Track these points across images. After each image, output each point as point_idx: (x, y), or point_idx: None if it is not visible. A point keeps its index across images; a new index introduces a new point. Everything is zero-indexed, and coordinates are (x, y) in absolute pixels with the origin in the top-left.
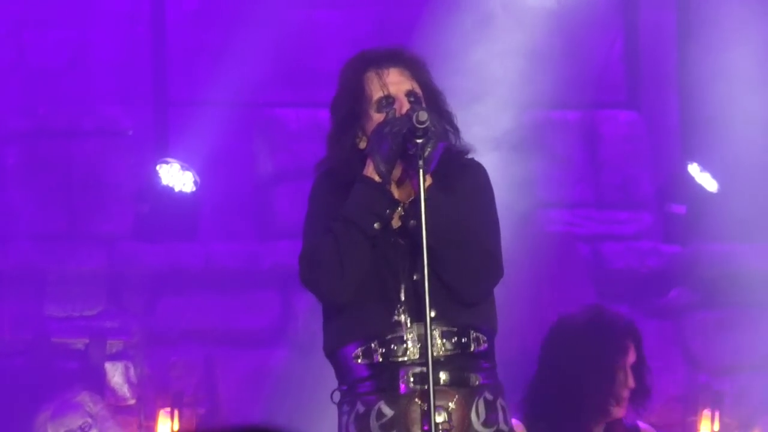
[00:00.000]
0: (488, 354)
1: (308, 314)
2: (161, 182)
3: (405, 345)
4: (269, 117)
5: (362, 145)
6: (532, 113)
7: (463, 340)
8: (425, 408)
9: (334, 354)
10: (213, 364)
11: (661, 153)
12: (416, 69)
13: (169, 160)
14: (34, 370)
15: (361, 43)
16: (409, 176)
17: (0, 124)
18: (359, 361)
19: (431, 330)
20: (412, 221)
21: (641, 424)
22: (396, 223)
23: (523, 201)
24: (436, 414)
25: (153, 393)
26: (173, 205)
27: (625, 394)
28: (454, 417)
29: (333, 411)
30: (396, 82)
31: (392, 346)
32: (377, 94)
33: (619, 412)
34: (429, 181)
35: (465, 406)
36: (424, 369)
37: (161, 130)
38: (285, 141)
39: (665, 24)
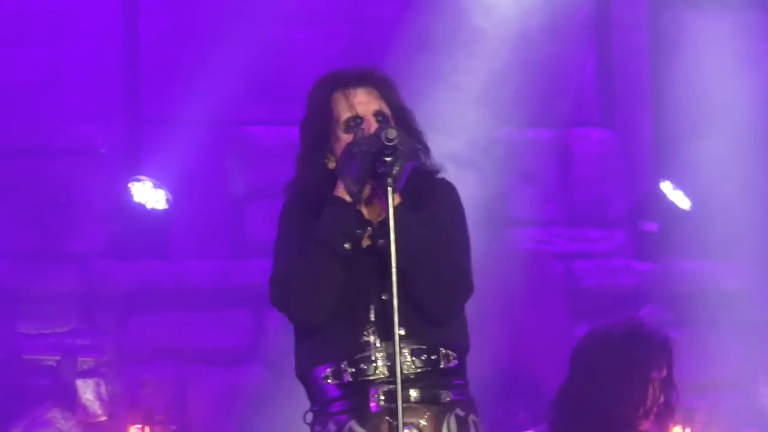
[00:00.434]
0: (459, 370)
1: (280, 332)
2: (133, 200)
3: (374, 364)
4: (241, 135)
5: (331, 165)
6: (505, 131)
7: (432, 357)
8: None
9: (305, 375)
10: (184, 382)
11: (633, 171)
12: (385, 89)
13: (142, 178)
14: (5, 386)
15: (335, 62)
16: (378, 195)
17: None
18: (329, 381)
19: (401, 348)
20: (381, 240)
21: None
22: (365, 242)
23: (496, 219)
24: (407, 431)
25: (124, 410)
26: (145, 223)
27: (655, 408)
28: None
29: (305, 429)
30: (363, 102)
31: (361, 365)
32: (345, 114)
33: (645, 425)
34: (398, 199)
35: (436, 423)
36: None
37: (134, 148)
38: (257, 159)
39: (638, 43)
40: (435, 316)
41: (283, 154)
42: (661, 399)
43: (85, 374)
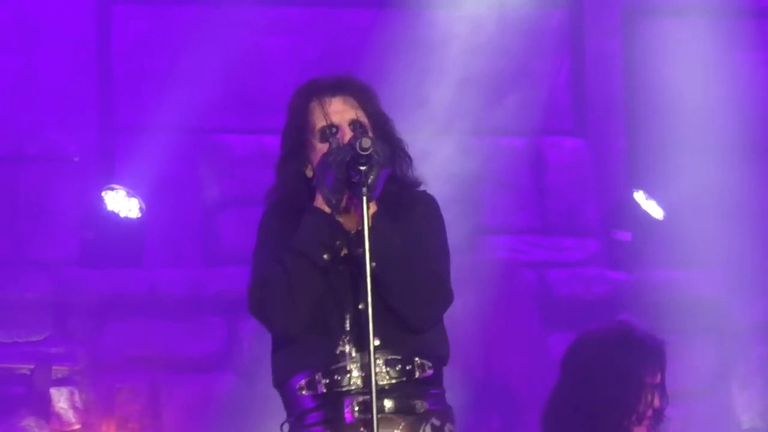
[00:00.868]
0: (435, 380)
1: (254, 340)
2: (107, 208)
3: (349, 375)
4: (215, 143)
5: (309, 173)
6: (478, 139)
7: (407, 367)
8: None
9: (281, 386)
10: (158, 390)
11: (606, 180)
12: (362, 97)
13: (115, 186)
14: None
15: (308, 70)
16: (355, 205)
17: None
18: (304, 392)
19: (375, 359)
20: (359, 249)
21: None
22: (343, 251)
23: (468, 227)
24: None
25: (98, 418)
26: (119, 231)
27: (649, 413)
28: None
29: None
30: (339, 111)
31: (336, 376)
32: (320, 123)
33: (638, 431)
34: (373, 208)
35: None
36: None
37: (107, 155)
38: (231, 167)
39: (611, 51)
40: (413, 324)
41: (257, 162)
42: (655, 404)
43: (59, 383)
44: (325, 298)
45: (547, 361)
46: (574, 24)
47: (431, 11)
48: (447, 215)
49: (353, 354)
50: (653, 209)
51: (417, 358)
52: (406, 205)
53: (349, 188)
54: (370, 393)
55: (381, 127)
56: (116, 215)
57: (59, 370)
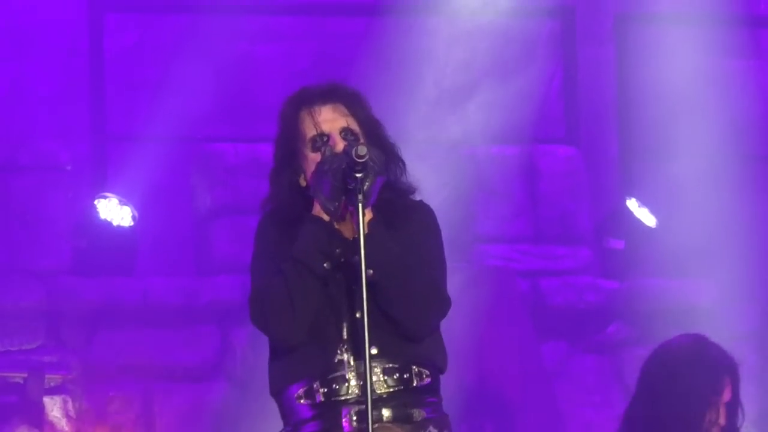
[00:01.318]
0: (432, 388)
1: (247, 349)
2: (99, 217)
3: (347, 384)
4: (207, 152)
5: (303, 183)
6: (470, 148)
7: (405, 375)
8: None
9: (278, 395)
10: (151, 399)
11: (599, 188)
12: (352, 103)
13: (108, 194)
14: None
15: (300, 78)
16: (350, 212)
17: None
18: (302, 401)
19: (372, 367)
20: (356, 256)
21: None
22: (341, 259)
23: (461, 236)
24: None
25: (91, 427)
26: (111, 240)
27: (715, 431)
28: None
29: None
30: (329, 120)
31: (334, 385)
32: (310, 132)
33: None
34: (369, 215)
35: None
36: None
37: (99, 164)
38: (223, 176)
39: (604, 59)
40: (411, 332)
41: (249, 171)
42: (722, 422)
43: (53, 391)
44: (323, 307)
45: (539, 369)
46: (567, 32)
47: (423, 20)
48: (440, 224)
49: (351, 362)
50: (646, 217)
51: (414, 367)
52: (402, 213)
53: (345, 196)
54: (366, 402)
55: (373, 132)
56: (109, 224)
57: (52, 379)
